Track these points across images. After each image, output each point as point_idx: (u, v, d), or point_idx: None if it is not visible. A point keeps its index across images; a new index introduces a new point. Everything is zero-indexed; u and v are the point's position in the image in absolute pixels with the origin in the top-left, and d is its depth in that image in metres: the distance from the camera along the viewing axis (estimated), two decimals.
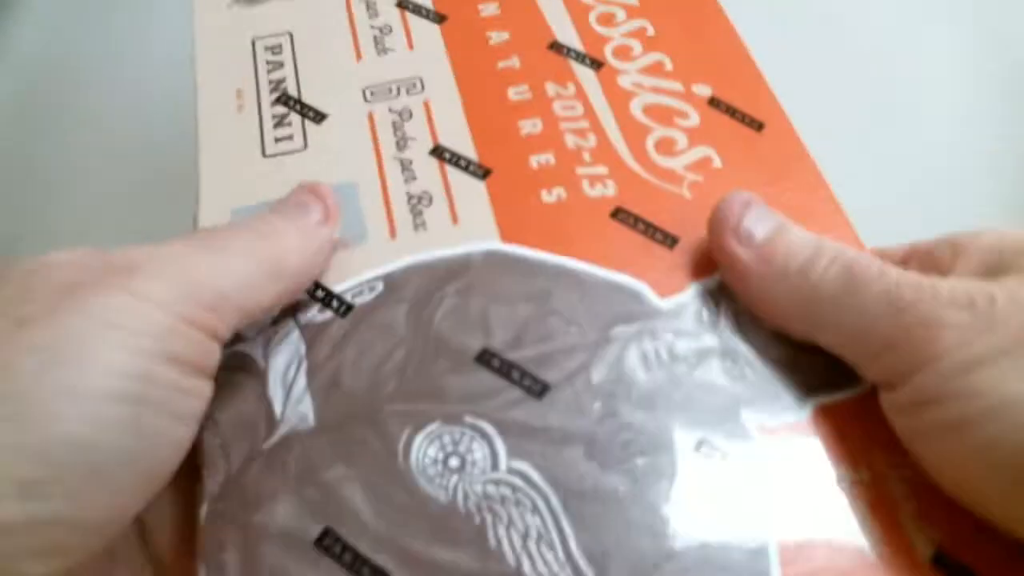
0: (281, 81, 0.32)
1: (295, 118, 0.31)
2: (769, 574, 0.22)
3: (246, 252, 0.24)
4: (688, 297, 0.27)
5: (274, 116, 0.31)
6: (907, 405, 0.22)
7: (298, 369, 0.25)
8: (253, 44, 0.33)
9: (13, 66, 0.55)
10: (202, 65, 0.33)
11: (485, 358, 0.25)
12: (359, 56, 0.33)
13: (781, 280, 0.25)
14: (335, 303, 0.26)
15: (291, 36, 0.33)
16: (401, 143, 0.30)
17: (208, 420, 0.24)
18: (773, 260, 0.25)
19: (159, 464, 0.22)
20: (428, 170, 0.29)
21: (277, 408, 0.25)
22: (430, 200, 0.28)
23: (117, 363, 0.20)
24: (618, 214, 0.28)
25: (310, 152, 0.30)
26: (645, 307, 0.26)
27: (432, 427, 0.24)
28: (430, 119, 0.31)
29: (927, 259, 0.26)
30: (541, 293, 0.26)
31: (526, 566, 0.22)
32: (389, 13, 0.34)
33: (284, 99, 0.31)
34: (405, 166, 0.29)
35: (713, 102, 0.31)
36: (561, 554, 0.22)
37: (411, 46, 0.33)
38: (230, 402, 0.25)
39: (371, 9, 0.34)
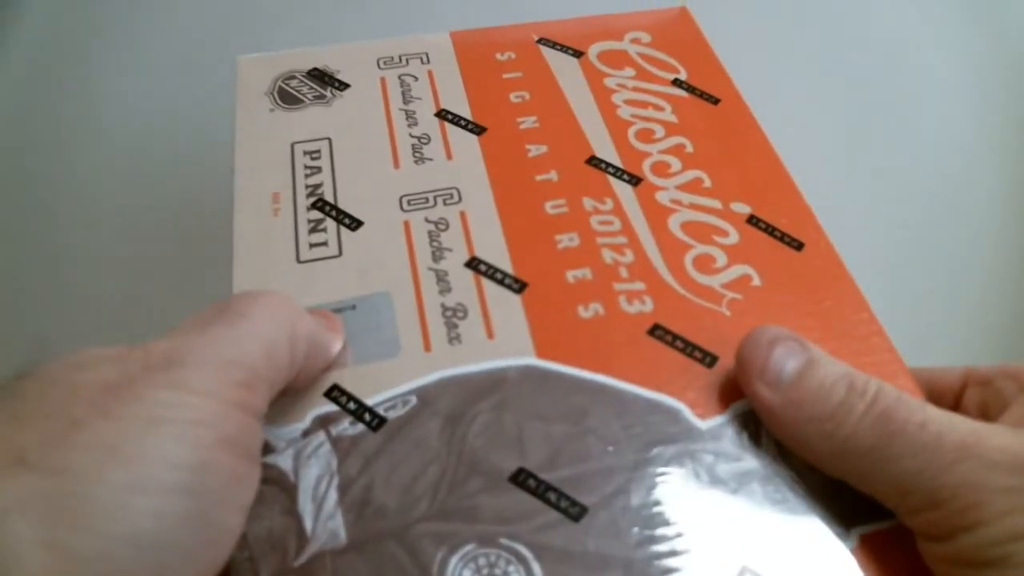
0: (318, 186, 0.32)
1: (330, 224, 0.31)
2: None
3: (264, 315, 0.24)
4: (728, 418, 0.26)
5: (310, 221, 0.31)
6: (948, 559, 0.22)
7: (329, 484, 0.25)
8: (292, 148, 0.33)
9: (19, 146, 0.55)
10: (240, 167, 0.33)
11: (520, 478, 0.25)
12: (397, 164, 0.33)
13: (812, 425, 0.24)
14: (368, 416, 0.26)
15: (330, 142, 0.34)
16: (437, 254, 0.30)
17: None
18: (802, 405, 0.24)
19: (217, 558, 0.21)
20: (463, 282, 0.29)
21: (308, 524, 0.24)
22: (465, 313, 0.28)
23: (175, 456, 0.20)
24: (656, 331, 0.28)
25: (345, 259, 0.30)
26: (684, 428, 0.26)
27: (467, 549, 0.23)
28: (466, 230, 0.31)
29: (987, 390, 0.26)
30: (578, 412, 0.26)
31: None
32: (428, 123, 0.35)
33: (320, 204, 0.31)
34: (440, 277, 0.29)
35: (752, 220, 0.31)
36: None
37: (449, 156, 0.33)
38: (259, 516, 0.24)
39: (411, 118, 0.35)
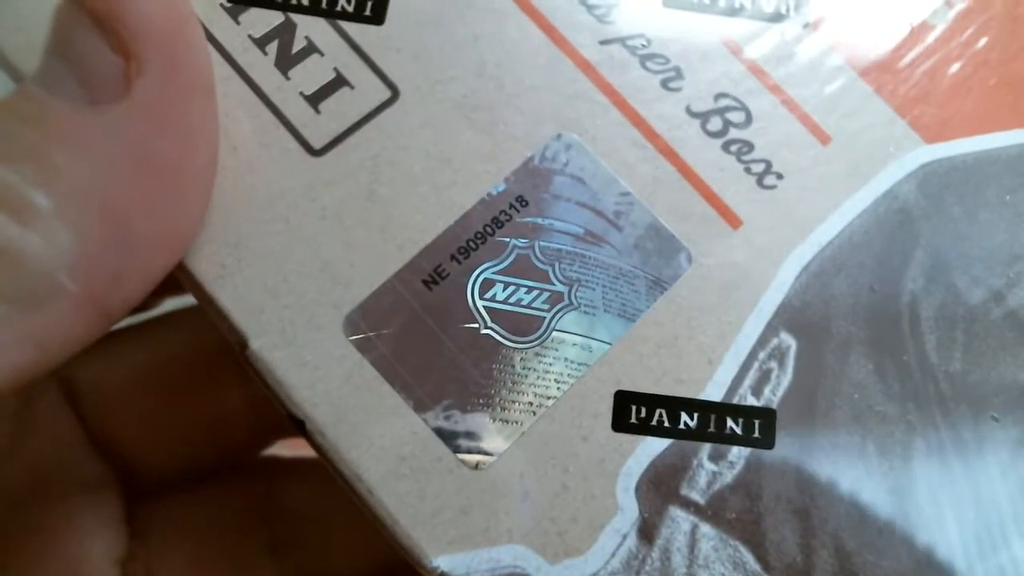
0: None
1: (314, 25, 0.13)
2: None
3: None
4: None
5: (258, 41, 0.13)
6: None
7: None
8: None
9: None
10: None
11: None
12: None
13: None
14: (734, 422, 0.12)
15: None
16: (600, 15, 0.13)
17: None
18: None
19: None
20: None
21: None
22: (747, 114, 0.13)
23: None
24: None
25: (405, 100, 0.13)
26: None
27: None
28: None
29: None
30: None
31: None
32: None
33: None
34: (642, 56, 0.13)
35: None
36: None
37: None
38: None
39: None
